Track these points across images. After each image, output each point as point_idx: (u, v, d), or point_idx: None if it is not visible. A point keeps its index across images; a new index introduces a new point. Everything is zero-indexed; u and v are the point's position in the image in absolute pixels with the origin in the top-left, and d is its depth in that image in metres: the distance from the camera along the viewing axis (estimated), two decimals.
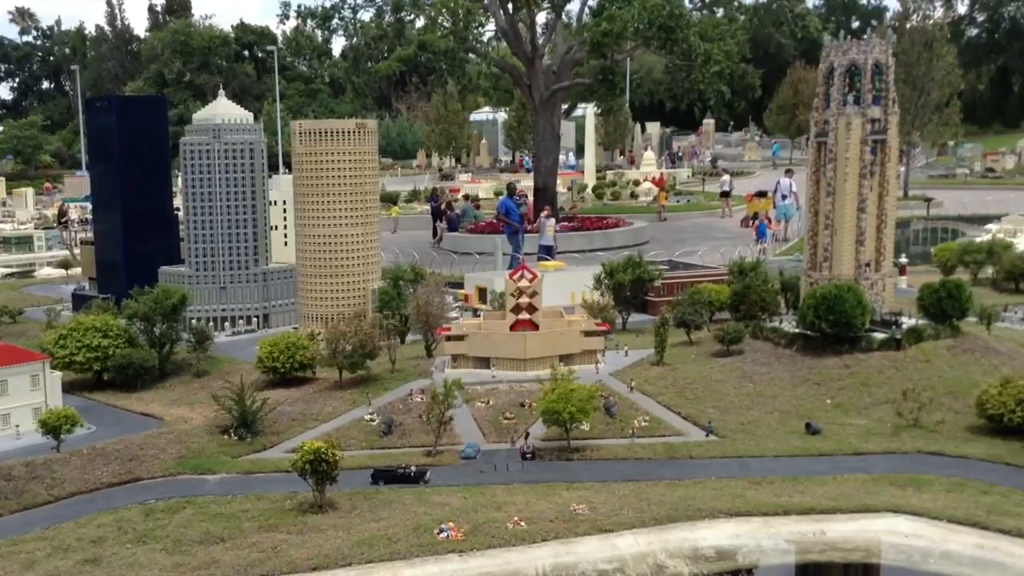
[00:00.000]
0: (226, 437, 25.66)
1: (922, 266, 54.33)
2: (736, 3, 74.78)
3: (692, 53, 63.26)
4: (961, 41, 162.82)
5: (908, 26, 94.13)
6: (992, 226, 66.91)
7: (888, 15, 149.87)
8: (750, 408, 27.31)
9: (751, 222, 68.72)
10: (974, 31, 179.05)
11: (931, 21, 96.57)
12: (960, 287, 30.97)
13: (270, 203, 41.50)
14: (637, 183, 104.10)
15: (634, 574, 18.58)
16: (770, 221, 68.95)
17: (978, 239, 57.45)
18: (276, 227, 42.79)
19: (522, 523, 19.66)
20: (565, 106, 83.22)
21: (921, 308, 31.41)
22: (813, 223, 31.79)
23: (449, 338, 29.18)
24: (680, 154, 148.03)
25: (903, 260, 51.60)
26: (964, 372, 28.39)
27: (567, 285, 39.85)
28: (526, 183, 76.84)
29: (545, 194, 69.08)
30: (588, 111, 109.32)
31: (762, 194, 76.19)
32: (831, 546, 19.61)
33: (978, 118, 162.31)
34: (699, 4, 70.66)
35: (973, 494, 21.36)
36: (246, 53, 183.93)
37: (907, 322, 30.94)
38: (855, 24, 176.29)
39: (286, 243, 42.19)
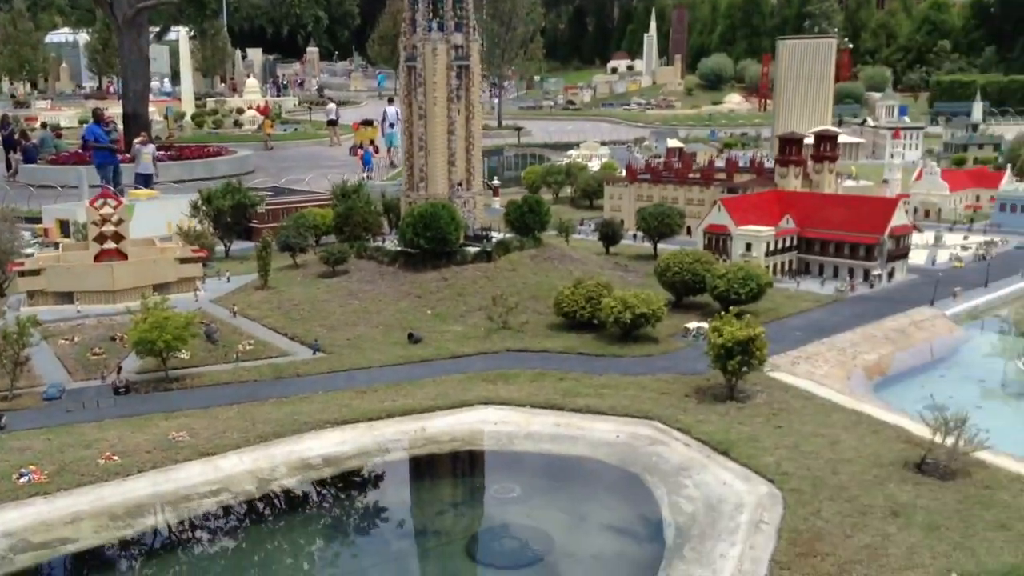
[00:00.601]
0: None
1: (514, 188, 58.81)
2: None
3: None
4: None
5: None
6: (572, 152, 74.22)
7: None
8: (356, 324, 27.94)
9: (358, 150, 69.60)
10: None
11: None
12: (539, 203, 33.97)
13: None
14: (241, 111, 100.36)
15: (238, 491, 18.36)
16: (377, 149, 70.36)
17: (560, 163, 63.46)
18: None
19: (115, 457, 18.49)
20: (156, 28, 77.56)
21: (508, 223, 34.04)
22: (408, 145, 32.88)
23: (23, 273, 26.30)
24: (285, 82, 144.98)
25: (496, 182, 55.54)
26: (545, 278, 31.33)
27: (162, 214, 37.67)
28: (116, 110, 70.74)
29: (137, 121, 64.19)
30: (182, 34, 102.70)
31: (368, 123, 77.38)
32: (431, 440, 20.85)
33: (560, 55, 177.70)
34: None
35: (552, 381, 23.80)
36: None
37: (497, 236, 33.42)
38: None
39: None
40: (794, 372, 24.30)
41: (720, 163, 51.70)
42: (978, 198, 45.90)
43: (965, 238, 40.42)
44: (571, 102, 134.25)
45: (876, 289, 32.27)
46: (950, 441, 17.94)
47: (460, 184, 32.83)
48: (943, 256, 36.98)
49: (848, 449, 19.14)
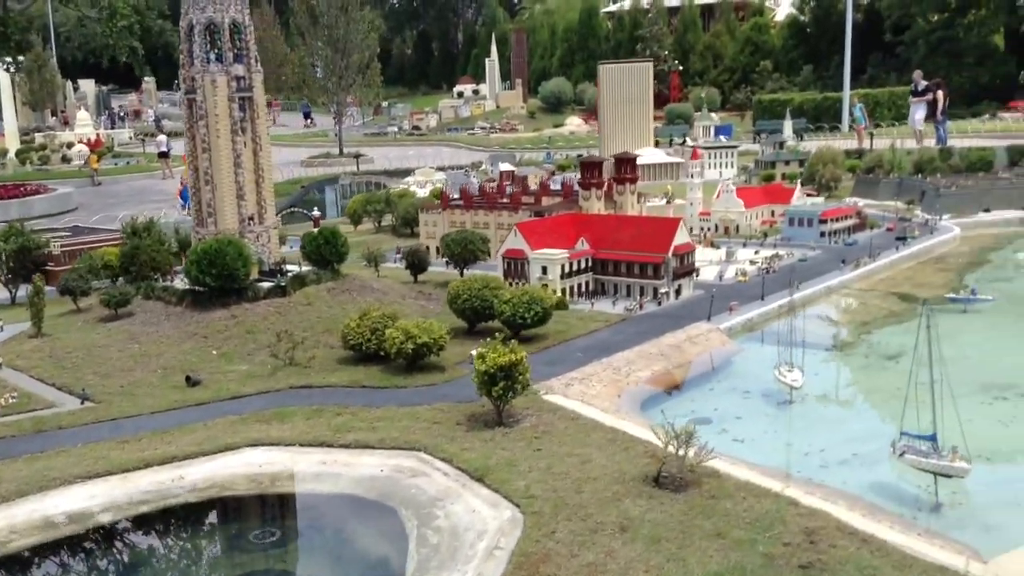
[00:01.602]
0: None
1: (341, 218, 58.47)
2: None
3: (97, 5, 60.04)
4: (384, 7, 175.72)
5: None
6: (410, 178, 74.08)
7: None
8: (133, 369, 27.12)
9: (181, 185, 67.89)
10: None
11: None
12: (335, 234, 33.84)
13: None
14: (71, 146, 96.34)
15: None
16: None
17: (383, 191, 63.43)
18: None
19: None
20: None
21: (305, 256, 33.80)
22: (194, 179, 32.27)
23: None
24: (122, 114, 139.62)
25: (316, 213, 55.09)
26: (341, 310, 31.18)
27: None
28: None
29: None
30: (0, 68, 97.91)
31: None
32: (190, 488, 20.38)
33: (407, 80, 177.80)
34: None
35: (328, 417, 23.68)
36: None
37: (293, 270, 33.10)
38: None
39: None
40: (567, 394, 24.99)
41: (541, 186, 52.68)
42: (773, 213, 48.49)
43: (756, 253, 42.57)
44: (417, 127, 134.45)
45: (664, 306, 33.62)
46: (681, 453, 18.88)
47: (252, 218, 32.43)
48: (731, 271, 38.86)
49: (597, 467, 19.82)
